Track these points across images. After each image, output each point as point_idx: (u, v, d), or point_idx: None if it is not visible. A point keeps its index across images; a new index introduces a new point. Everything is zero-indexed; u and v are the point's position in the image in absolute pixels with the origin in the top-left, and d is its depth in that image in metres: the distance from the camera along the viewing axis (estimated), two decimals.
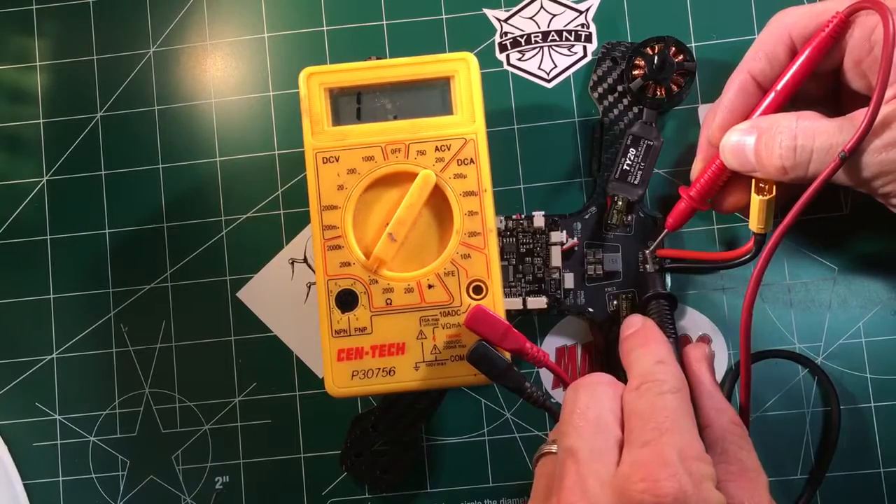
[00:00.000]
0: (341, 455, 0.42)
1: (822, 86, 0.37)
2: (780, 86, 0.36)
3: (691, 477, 0.28)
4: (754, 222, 0.37)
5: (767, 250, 0.34)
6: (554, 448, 0.32)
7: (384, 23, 0.45)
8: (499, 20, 0.44)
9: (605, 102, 0.42)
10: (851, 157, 0.32)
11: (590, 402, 0.32)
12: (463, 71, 0.37)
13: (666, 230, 0.40)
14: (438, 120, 0.37)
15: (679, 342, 0.39)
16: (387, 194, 0.37)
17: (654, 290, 0.40)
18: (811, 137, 0.33)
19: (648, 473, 0.28)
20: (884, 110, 0.32)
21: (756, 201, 0.36)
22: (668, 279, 0.41)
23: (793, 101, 0.37)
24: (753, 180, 0.37)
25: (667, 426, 0.30)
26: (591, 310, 0.41)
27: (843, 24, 0.34)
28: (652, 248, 0.41)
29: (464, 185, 0.36)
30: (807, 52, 0.35)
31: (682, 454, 0.29)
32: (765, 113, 0.36)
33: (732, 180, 0.38)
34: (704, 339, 0.42)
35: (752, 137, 0.35)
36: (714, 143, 0.38)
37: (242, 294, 0.44)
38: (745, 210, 0.38)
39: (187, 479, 0.43)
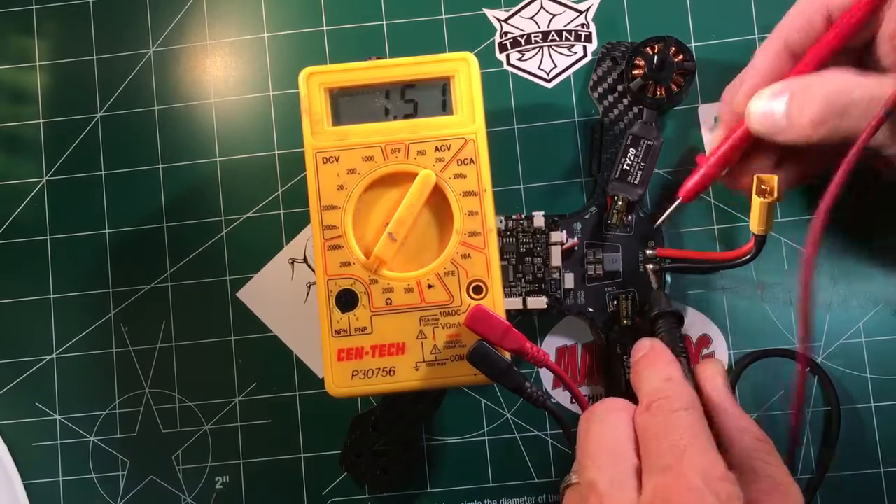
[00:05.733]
0: (341, 455, 0.42)
1: (849, 63, 0.36)
2: (813, 55, 0.35)
3: (718, 499, 0.27)
4: (755, 223, 0.37)
5: (822, 212, 0.32)
6: (575, 478, 0.32)
7: (384, 23, 0.45)
8: (499, 20, 0.44)
9: (605, 102, 0.42)
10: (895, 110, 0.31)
11: (602, 430, 0.32)
12: (463, 71, 0.37)
13: (679, 199, 0.40)
14: (438, 120, 0.37)
15: (690, 360, 0.38)
16: (387, 194, 0.37)
17: (660, 309, 0.39)
18: (849, 90, 0.32)
19: (673, 501, 0.27)
20: None
21: (757, 203, 0.36)
22: (668, 279, 0.41)
23: None
24: (755, 181, 0.36)
25: (684, 444, 0.29)
26: (591, 310, 0.41)
27: None
28: (660, 221, 0.40)
29: (464, 185, 0.36)
30: (843, 22, 0.34)
31: (705, 476, 0.28)
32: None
33: (751, 156, 0.38)
34: (710, 355, 0.41)
35: (783, 97, 0.34)
36: (739, 109, 0.37)
37: (242, 294, 0.44)
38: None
39: (187, 479, 0.43)
